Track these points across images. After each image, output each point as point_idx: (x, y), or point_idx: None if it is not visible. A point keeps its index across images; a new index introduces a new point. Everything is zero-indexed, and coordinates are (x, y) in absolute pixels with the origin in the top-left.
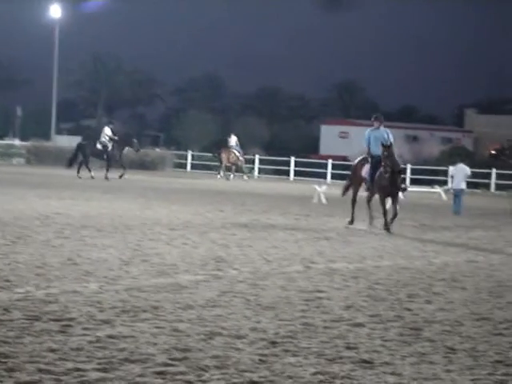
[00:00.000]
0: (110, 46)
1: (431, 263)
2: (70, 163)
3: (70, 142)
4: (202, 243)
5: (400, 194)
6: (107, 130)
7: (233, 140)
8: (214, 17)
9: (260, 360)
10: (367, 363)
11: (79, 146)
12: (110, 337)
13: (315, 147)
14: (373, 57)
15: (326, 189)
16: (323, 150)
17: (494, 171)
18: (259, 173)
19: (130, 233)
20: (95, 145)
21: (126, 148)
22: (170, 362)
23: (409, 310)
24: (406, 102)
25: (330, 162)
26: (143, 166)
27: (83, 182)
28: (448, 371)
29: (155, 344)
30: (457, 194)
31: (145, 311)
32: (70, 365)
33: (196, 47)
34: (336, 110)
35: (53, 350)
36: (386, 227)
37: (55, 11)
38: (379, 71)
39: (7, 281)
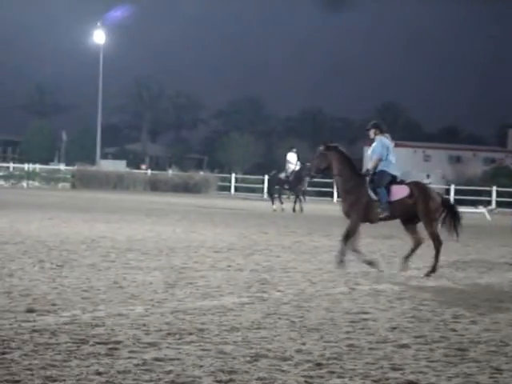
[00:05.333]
0: (153, 71)
1: (476, 284)
2: (271, 197)
3: (114, 166)
4: (246, 265)
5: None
6: (290, 156)
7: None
8: (255, 40)
9: (306, 382)
10: None
11: (271, 178)
12: (157, 359)
13: (359, 168)
14: (414, 78)
15: None
16: None
17: None
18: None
19: (174, 256)
20: (279, 174)
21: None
22: None
23: (454, 330)
24: (448, 122)
25: None
26: (187, 188)
27: (128, 205)
28: None
29: (201, 366)
30: None
31: (190, 334)
32: None
33: (238, 70)
34: None
35: (100, 373)
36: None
37: (99, 36)
38: (421, 92)
39: (54, 304)
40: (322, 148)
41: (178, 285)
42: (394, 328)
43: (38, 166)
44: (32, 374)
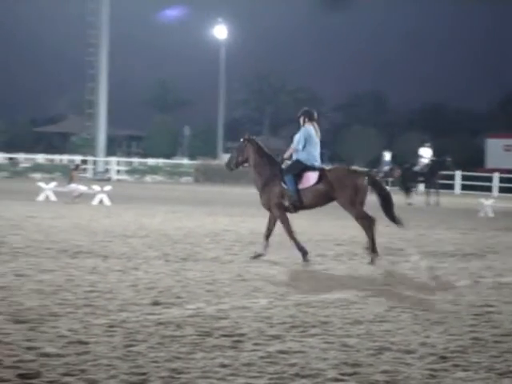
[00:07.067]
0: (274, 65)
1: None
2: (406, 190)
3: None
4: (368, 258)
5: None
6: (423, 151)
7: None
8: (373, 35)
9: (430, 375)
10: None
11: (405, 171)
12: (281, 352)
13: (480, 161)
14: None
15: (493, 202)
16: (489, 164)
17: None
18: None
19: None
20: (412, 168)
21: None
22: (340, 377)
23: None
24: None
25: (496, 175)
26: None
27: (251, 199)
28: None
29: (325, 359)
30: None
31: (314, 326)
32: (241, 380)
33: (357, 63)
34: (502, 123)
35: (224, 366)
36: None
37: (220, 32)
38: None
39: (179, 297)
40: (242, 141)
41: (301, 277)
42: None
43: (161, 161)
44: (158, 367)
